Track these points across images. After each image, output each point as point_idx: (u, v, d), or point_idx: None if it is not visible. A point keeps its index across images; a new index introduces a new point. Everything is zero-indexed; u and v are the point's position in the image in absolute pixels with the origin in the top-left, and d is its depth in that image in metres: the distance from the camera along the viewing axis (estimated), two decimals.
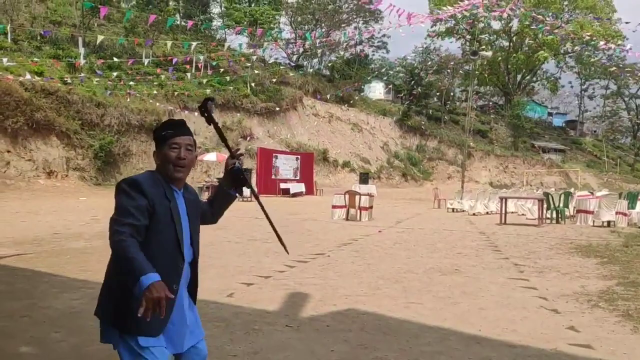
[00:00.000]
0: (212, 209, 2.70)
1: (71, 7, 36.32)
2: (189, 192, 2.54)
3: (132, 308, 2.13)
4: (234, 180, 2.63)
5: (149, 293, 2.06)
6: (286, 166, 30.88)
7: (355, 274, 7.38)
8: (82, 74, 27.07)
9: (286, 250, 2.92)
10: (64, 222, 12.74)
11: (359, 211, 16.01)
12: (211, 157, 27.23)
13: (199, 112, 2.63)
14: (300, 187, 30.17)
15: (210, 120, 2.58)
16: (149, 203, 2.26)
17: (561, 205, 16.94)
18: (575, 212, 16.93)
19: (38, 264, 7.40)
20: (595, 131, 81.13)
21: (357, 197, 16.22)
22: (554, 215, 16.64)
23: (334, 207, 16.63)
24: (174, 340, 2.34)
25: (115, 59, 29.39)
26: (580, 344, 4.48)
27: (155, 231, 2.28)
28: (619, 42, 42.43)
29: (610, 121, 77.37)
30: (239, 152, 2.64)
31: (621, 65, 51.22)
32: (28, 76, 24.97)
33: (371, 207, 16.57)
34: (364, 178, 32.72)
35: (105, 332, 2.30)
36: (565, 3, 61.23)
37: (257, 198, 2.80)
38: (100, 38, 24.18)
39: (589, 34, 35.36)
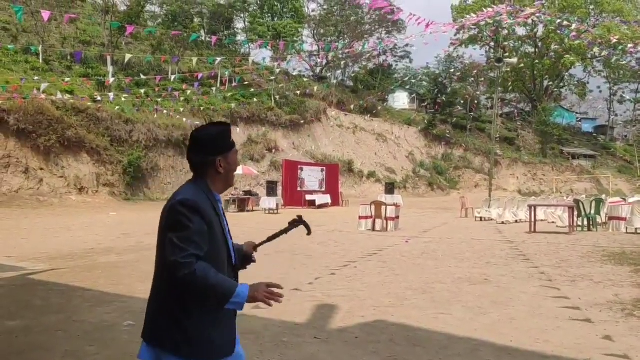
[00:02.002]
0: None
1: (100, 27, 37.24)
2: (250, 194, 2.57)
3: (210, 335, 2.11)
4: (242, 261, 2.56)
5: (257, 294, 2.11)
6: (312, 178, 30.95)
7: (382, 285, 7.35)
8: (111, 92, 27.68)
9: (308, 230, 2.87)
10: (95, 237, 13.00)
11: (385, 221, 15.94)
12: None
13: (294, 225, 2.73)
14: (326, 199, 30.17)
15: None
16: (207, 225, 2.13)
17: (592, 212, 16.60)
18: (607, 219, 16.58)
19: (71, 279, 7.56)
20: (626, 136, 79.38)
21: (383, 207, 16.17)
22: (585, 222, 16.32)
23: (360, 217, 16.61)
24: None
25: (142, 76, 30.01)
26: (615, 354, 4.39)
27: (214, 249, 2.17)
28: None
29: None
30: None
31: None
32: (59, 95, 25.64)
33: (397, 217, 16.49)
34: (390, 188, 32.56)
35: (156, 353, 2.16)
36: (592, 7, 60.37)
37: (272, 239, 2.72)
38: (128, 56, 24.71)
39: (616, 37, 34.74)
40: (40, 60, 29.45)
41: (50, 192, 24.08)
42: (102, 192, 26.29)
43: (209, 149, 2.25)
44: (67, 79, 26.68)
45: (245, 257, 2.55)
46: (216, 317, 2.16)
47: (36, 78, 25.43)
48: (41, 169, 24.51)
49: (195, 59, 28.23)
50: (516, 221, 19.58)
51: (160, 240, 2.17)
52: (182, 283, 2.03)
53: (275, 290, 2.18)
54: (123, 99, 28.17)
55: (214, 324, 2.15)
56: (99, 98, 27.36)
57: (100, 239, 12.53)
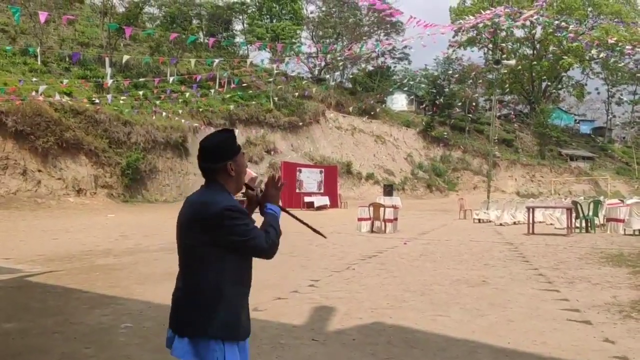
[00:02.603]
0: None
1: (98, 29, 37.22)
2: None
3: (240, 316, 2.38)
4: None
5: (272, 195, 2.57)
6: (310, 179, 30.95)
7: (380, 287, 7.34)
8: (110, 94, 27.66)
9: (323, 235, 3.00)
10: (93, 239, 12.98)
11: (384, 223, 15.95)
12: None
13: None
14: (325, 200, 30.17)
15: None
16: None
17: (590, 213, 16.62)
18: (605, 220, 16.59)
19: (69, 281, 7.55)
20: (624, 137, 79.49)
21: (381, 209, 16.17)
22: (584, 224, 16.33)
23: (359, 219, 16.61)
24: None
25: (141, 78, 29.99)
26: (613, 356, 4.39)
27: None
28: None
29: (639, 127, 75.74)
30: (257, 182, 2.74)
31: None
32: (57, 97, 25.60)
33: (396, 219, 16.49)
34: (389, 190, 32.55)
35: (202, 349, 2.32)
36: (590, 9, 60.48)
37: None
38: (125, 58, 24.70)
39: (614, 39, 34.80)
40: (39, 62, 29.40)
41: (48, 194, 24.03)
42: (100, 194, 26.25)
43: (219, 156, 2.45)
44: (65, 81, 26.63)
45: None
46: (245, 300, 2.45)
47: (34, 80, 25.40)
48: (39, 170, 24.46)
49: (193, 61, 28.22)
50: (514, 223, 19.61)
51: (201, 242, 2.36)
52: (274, 254, 2.41)
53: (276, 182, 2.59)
54: (121, 101, 28.14)
55: (243, 307, 2.42)
56: (97, 100, 27.31)
57: (98, 241, 12.50)
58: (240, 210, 2.37)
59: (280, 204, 2.65)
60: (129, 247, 11.61)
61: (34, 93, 23.73)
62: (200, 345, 2.31)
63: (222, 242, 2.33)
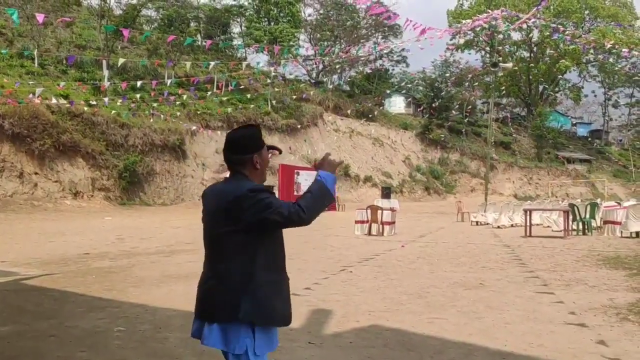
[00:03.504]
0: None
1: (95, 31, 37.19)
2: None
3: (273, 303, 2.45)
4: None
5: (331, 164, 2.55)
6: (308, 182, 30.82)
7: (378, 290, 7.33)
8: (107, 97, 27.62)
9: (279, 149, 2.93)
10: (89, 242, 12.94)
11: (381, 226, 15.94)
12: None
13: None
14: None
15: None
16: None
17: (587, 216, 16.65)
18: (602, 223, 16.60)
19: (65, 284, 7.52)
20: (621, 140, 79.68)
21: (379, 211, 16.17)
22: (581, 226, 16.34)
23: (356, 222, 16.61)
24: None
25: (138, 81, 29.93)
26: (609, 358, 4.39)
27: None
28: None
29: (636, 130, 75.92)
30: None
31: None
32: (54, 99, 25.56)
33: (394, 222, 16.49)
34: (386, 192, 32.58)
35: (232, 336, 2.38)
36: (587, 12, 60.68)
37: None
38: (121, 60, 24.68)
39: (611, 42, 34.91)
40: (36, 65, 29.37)
41: (44, 197, 23.98)
42: (97, 197, 26.20)
43: (246, 148, 2.55)
44: (62, 83, 26.60)
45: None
46: (280, 287, 2.52)
47: (31, 82, 25.35)
48: (36, 173, 24.41)
49: (189, 63, 28.20)
50: (512, 225, 19.62)
51: (230, 227, 2.41)
52: (310, 219, 2.41)
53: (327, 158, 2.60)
54: (119, 104, 28.12)
55: (278, 293, 2.48)
56: (94, 103, 27.26)
57: (94, 244, 12.47)
58: (263, 190, 2.43)
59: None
60: (126, 250, 11.59)
61: (31, 96, 23.69)
62: (230, 331, 2.38)
63: (250, 223, 2.37)
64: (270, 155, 2.71)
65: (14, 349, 4.63)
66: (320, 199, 2.44)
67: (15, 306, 6.36)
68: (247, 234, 2.39)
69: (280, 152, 2.86)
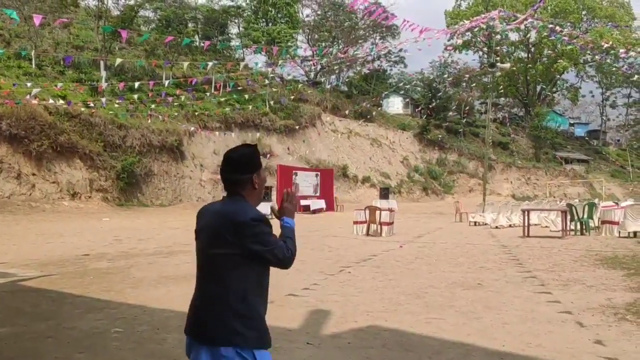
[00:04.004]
0: None
1: (93, 32, 37.15)
2: None
3: (264, 324, 2.45)
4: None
5: (290, 210, 2.67)
6: (306, 183, 30.92)
7: (376, 290, 7.34)
8: (104, 97, 27.57)
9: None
10: (87, 243, 12.92)
11: (380, 226, 15.94)
12: None
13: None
14: (321, 204, 30.16)
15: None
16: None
17: (585, 216, 16.66)
18: (600, 223, 16.62)
19: (62, 285, 7.51)
20: (618, 140, 79.82)
21: (377, 212, 16.17)
22: (578, 226, 16.36)
23: (355, 222, 16.60)
24: None
25: (136, 82, 29.90)
26: (607, 357, 4.39)
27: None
28: None
29: (634, 130, 76.08)
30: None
31: None
32: (52, 100, 25.51)
33: (392, 222, 16.49)
34: (385, 193, 32.57)
35: (223, 355, 2.34)
36: (584, 12, 60.77)
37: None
38: (118, 61, 24.64)
39: (608, 42, 34.98)
40: (33, 66, 29.29)
41: (42, 198, 23.93)
42: (95, 198, 26.15)
43: (246, 168, 2.54)
44: (59, 84, 26.54)
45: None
46: (266, 308, 2.51)
47: (29, 83, 25.31)
48: (33, 174, 24.35)
49: (186, 64, 28.17)
50: (510, 225, 19.63)
51: (226, 251, 2.41)
52: (291, 262, 2.51)
53: (289, 195, 2.72)
54: (116, 105, 28.06)
55: (264, 314, 2.48)
56: (92, 104, 27.22)
57: (92, 245, 12.45)
58: (265, 221, 2.45)
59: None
60: (124, 251, 11.57)
61: (28, 96, 23.64)
62: (220, 353, 2.33)
63: (247, 250, 2.39)
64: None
65: (11, 351, 4.62)
66: (295, 244, 2.57)
67: (12, 307, 6.35)
68: (243, 257, 2.40)
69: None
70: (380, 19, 31.89)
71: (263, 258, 2.43)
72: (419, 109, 58.69)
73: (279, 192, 28.21)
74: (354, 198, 40.19)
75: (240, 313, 2.37)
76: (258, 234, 2.41)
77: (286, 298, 6.72)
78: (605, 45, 33.21)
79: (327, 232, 16.97)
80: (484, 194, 27.47)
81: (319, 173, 33.04)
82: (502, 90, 62.97)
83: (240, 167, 2.53)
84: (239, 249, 2.39)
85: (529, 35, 57.64)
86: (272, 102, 39.89)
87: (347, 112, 46.22)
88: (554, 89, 70.98)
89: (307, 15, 59.35)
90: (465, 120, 59.36)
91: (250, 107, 38.22)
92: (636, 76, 49.20)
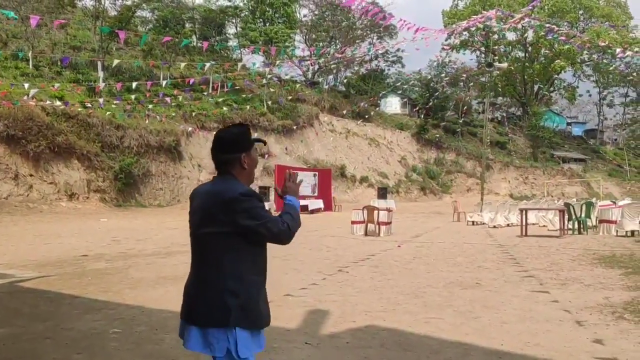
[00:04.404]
0: None
1: (90, 32, 37.10)
2: None
3: (259, 304, 2.43)
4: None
5: (293, 189, 2.68)
6: (304, 183, 30.81)
7: (374, 290, 7.34)
8: (102, 98, 27.51)
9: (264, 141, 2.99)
10: (85, 243, 12.90)
11: (377, 226, 15.95)
12: None
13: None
14: (319, 204, 30.16)
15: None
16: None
17: (583, 215, 16.69)
18: (597, 222, 16.66)
19: (60, 286, 7.49)
20: (616, 139, 79.96)
21: (375, 212, 16.17)
22: (576, 225, 16.39)
23: (352, 222, 16.60)
24: None
25: (133, 82, 29.89)
26: (605, 357, 4.40)
27: None
28: (636, 49, 41.98)
29: (631, 129, 76.23)
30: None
31: None
32: (49, 101, 25.46)
33: (390, 222, 16.50)
34: (383, 193, 32.61)
35: (212, 339, 2.36)
36: (581, 12, 60.85)
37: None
38: (115, 62, 24.61)
39: (605, 42, 35.06)
40: (30, 66, 29.23)
41: (40, 199, 23.89)
42: (92, 199, 26.12)
43: (234, 147, 2.52)
44: (57, 85, 26.50)
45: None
46: (262, 288, 2.49)
47: (26, 85, 25.26)
48: (31, 175, 24.31)
49: (183, 64, 28.15)
50: (508, 225, 19.66)
51: (216, 229, 2.40)
52: (289, 240, 2.48)
53: (291, 176, 2.71)
54: (114, 106, 28.03)
55: (260, 295, 2.46)
56: (89, 105, 27.17)
57: (90, 246, 12.43)
58: (255, 195, 2.44)
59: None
60: (122, 251, 11.56)
61: (25, 97, 23.59)
62: (209, 334, 2.36)
63: (239, 227, 2.37)
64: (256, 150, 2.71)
65: (9, 352, 4.61)
66: (297, 221, 2.53)
67: (10, 308, 6.34)
68: (233, 236, 2.38)
69: (265, 143, 2.90)
70: (377, 19, 31.86)
71: (257, 233, 2.39)
72: (417, 108, 58.78)
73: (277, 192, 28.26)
74: (352, 198, 40.21)
75: (234, 294, 2.36)
76: (249, 209, 2.38)
77: (284, 298, 6.72)
78: (602, 45, 33.27)
79: (325, 232, 16.97)
80: (482, 194, 27.54)
81: (316, 173, 33.05)
82: (499, 90, 63.07)
83: (229, 147, 2.52)
84: (231, 227, 2.37)
85: (526, 34, 57.78)
86: (269, 102, 39.91)
87: (344, 112, 46.25)
88: (552, 89, 71.07)
89: (305, 15, 59.38)
90: (463, 120, 59.43)
91: (248, 107, 38.23)
92: (634, 74, 49.37)
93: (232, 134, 2.55)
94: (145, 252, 11.39)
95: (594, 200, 23.24)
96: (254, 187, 2.73)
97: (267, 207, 2.61)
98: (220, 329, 2.34)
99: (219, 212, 2.38)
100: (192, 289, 2.47)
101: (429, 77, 59.62)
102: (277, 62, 39.45)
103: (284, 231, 2.43)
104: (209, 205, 2.42)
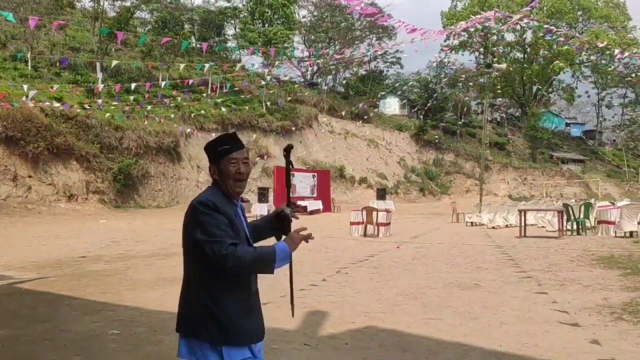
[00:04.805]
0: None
1: (89, 34, 37.09)
2: (241, 200, 2.64)
3: (240, 323, 2.33)
4: (278, 222, 2.64)
5: (295, 241, 2.40)
6: (303, 184, 30.91)
7: (373, 291, 7.34)
8: (101, 99, 27.49)
9: (292, 312, 2.92)
10: (84, 245, 12.89)
11: (376, 227, 15.95)
12: None
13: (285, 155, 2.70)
14: (318, 205, 30.14)
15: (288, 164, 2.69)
16: (227, 220, 2.33)
17: (582, 216, 16.70)
18: (596, 223, 16.67)
19: (59, 287, 7.49)
20: (614, 140, 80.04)
21: (374, 213, 16.17)
22: (575, 226, 16.40)
23: (351, 223, 16.60)
24: (252, 348, 2.46)
25: (132, 83, 29.88)
26: (603, 358, 4.40)
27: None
28: (635, 50, 42.07)
29: (629, 130, 76.31)
30: (295, 208, 2.67)
31: (639, 74, 50.67)
32: (48, 102, 25.44)
33: (389, 223, 16.49)
34: (382, 194, 32.57)
35: (196, 348, 2.33)
36: (579, 13, 60.93)
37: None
38: (114, 63, 24.61)
39: (604, 43, 35.08)
40: (29, 67, 29.19)
41: (38, 200, 23.87)
42: (91, 200, 26.10)
43: (208, 156, 2.49)
44: (55, 86, 26.48)
45: (278, 218, 2.66)
46: (246, 306, 2.38)
47: (25, 86, 25.25)
48: (29, 176, 24.30)
49: (182, 65, 28.16)
50: (507, 226, 19.65)
51: (185, 241, 2.37)
52: (233, 272, 2.25)
53: (305, 232, 2.48)
54: (112, 107, 28.02)
55: (245, 314, 2.36)
56: (87, 106, 27.15)
57: (89, 247, 12.42)
58: (212, 207, 2.30)
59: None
60: (120, 253, 11.55)
61: (24, 98, 23.57)
62: (194, 346, 2.33)
63: (191, 237, 2.29)
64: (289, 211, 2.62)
65: (8, 354, 4.61)
66: (258, 265, 2.31)
67: (9, 310, 6.33)
68: (202, 249, 2.26)
69: (297, 217, 2.72)
70: (378, 20, 31.88)
71: (205, 250, 2.23)
72: (416, 109, 58.72)
73: (276, 193, 28.22)
74: (351, 199, 40.20)
75: (210, 314, 2.29)
76: (202, 222, 2.26)
77: (283, 299, 6.72)
78: (601, 46, 33.32)
79: (324, 233, 16.96)
80: (481, 195, 27.54)
81: (316, 174, 33.05)
82: (498, 91, 63.10)
83: (207, 155, 2.49)
84: (192, 238, 2.29)
85: (525, 35, 57.85)
86: (268, 104, 39.92)
87: (343, 113, 46.29)
88: (550, 90, 71.12)
89: (304, 16, 59.44)
90: (462, 121, 59.49)
91: (247, 108, 38.22)
92: (633, 75, 49.42)
93: (208, 143, 2.49)
94: (144, 254, 11.38)
95: (592, 201, 23.26)
96: (254, 188, 2.68)
97: (266, 209, 2.56)
98: (203, 343, 2.31)
99: (185, 223, 2.36)
100: (180, 299, 2.45)
101: (428, 78, 59.69)
102: (276, 63, 39.43)
103: (223, 257, 2.20)
104: (187, 214, 2.38)
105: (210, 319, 2.29)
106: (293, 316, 2.92)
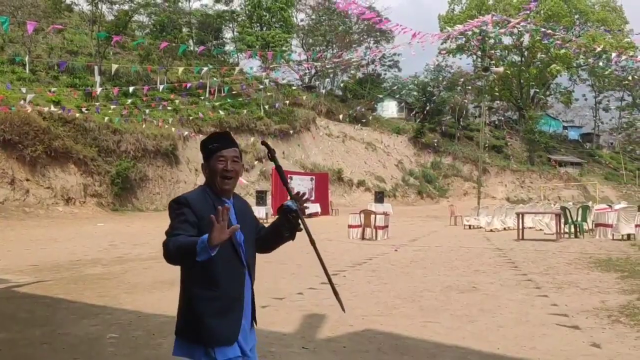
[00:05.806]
0: (262, 240, 2.71)
1: (87, 37, 37.10)
2: (239, 201, 2.65)
3: (209, 323, 2.34)
4: (286, 220, 2.57)
5: (215, 235, 2.12)
6: (301, 187, 30.86)
7: (371, 294, 7.35)
8: (98, 103, 27.48)
9: (342, 308, 2.86)
10: (82, 248, 12.87)
11: (374, 230, 15.96)
12: None
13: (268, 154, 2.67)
14: (316, 208, 30.14)
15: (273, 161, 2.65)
16: (196, 217, 2.35)
17: (579, 219, 16.73)
18: (593, 225, 16.70)
19: (57, 291, 7.48)
20: (612, 143, 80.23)
21: (372, 216, 16.19)
22: (572, 229, 16.43)
23: (349, 226, 16.62)
24: (242, 346, 2.49)
25: (130, 87, 29.87)
26: None
27: None
28: (632, 53, 42.17)
29: (627, 133, 76.51)
30: (301, 195, 2.61)
31: (636, 77, 50.84)
32: (45, 106, 25.41)
33: (387, 226, 16.51)
34: (379, 197, 32.61)
35: (185, 348, 2.42)
36: (576, 16, 61.13)
37: (312, 243, 2.66)
38: (114, 67, 24.64)
39: (601, 46, 35.20)
40: (27, 71, 29.16)
41: (36, 203, 23.83)
42: (89, 203, 26.06)
43: (202, 156, 2.56)
44: (53, 89, 26.47)
45: (284, 215, 2.58)
46: (219, 307, 2.37)
47: (23, 89, 25.23)
48: (27, 179, 24.25)
49: (180, 69, 28.17)
50: (504, 229, 19.68)
51: None
52: (167, 261, 2.28)
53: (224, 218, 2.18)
54: (110, 110, 28.01)
55: (215, 314, 2.36)
56: (85, 110, 27.13)
57: (87, 250, 12.41)
58: (182, 202, 2.39)
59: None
60: (118, 256, 11.54)
61: (22, 102, 23.54)
62: (176, 343, 2.46)
63: None
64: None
65: (6, 358, 4.60)
66: (181, 254, 2.23)
67: (7, 314, 6.32)
68: None
69: (307, 207, 2.71)
70: (377, 23, 31.92)
71: None
72: (414, 112, 58.90)
73: (274, 196, 28.21)
74: (349, 202, 40.21)
75: (181, 310, 2.43)
76: (170, 217, 2.40)
77: (281, 302, 6.72)
78: (598, 49, 33.43)
79: (322, 236, 16.95)
80: (479, 198, 27.54)
81: (313, 177, 33.06)
82: (496, 94, 63.26)
83: (202, 154, 2.58)
84: None
85: (522, 39, 58.02)
86: (266, 107, 39.94)
87: (341, 116, 46.33)
88: (548, 93, 71.30)
89: (302, 20, 59.55)
90: (460, 124, 59.60)
91: (245, 111, 38.23)
92: (630, 78, 49.55)
93: (201, 141, 2.61)
94: (142, 257, 11.37)
95: (590, 203, 23.30)
96: (252, 190, 2.68)
97: (264, 212, 2.52)
98: (179, 340, 2.44)
99: None
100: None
101: (426, 81, 59.81)
102: (274, 66, 39.48)
103: (164, 248, 2.27)
104: None
105: (182, 316, 2.41)
106: (344, 311, 2.92)
